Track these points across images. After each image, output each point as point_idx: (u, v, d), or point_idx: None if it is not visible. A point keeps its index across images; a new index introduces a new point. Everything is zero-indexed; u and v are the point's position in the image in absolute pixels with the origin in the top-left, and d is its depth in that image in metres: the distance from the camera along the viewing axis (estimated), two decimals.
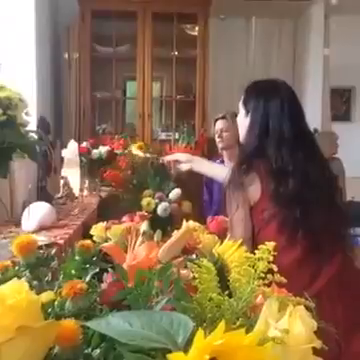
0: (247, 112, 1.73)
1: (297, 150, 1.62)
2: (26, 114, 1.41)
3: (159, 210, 2.34)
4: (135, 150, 3.04)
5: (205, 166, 2.13)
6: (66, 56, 4.33)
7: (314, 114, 4.95)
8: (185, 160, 2.11)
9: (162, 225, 1.51)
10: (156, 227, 1.14)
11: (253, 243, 1.55)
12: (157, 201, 2.36)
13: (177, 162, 2.16)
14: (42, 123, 2.23)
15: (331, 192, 1.69)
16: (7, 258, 1.01)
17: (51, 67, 4.25)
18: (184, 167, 2.11)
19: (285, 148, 1.61)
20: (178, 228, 1.07)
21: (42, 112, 3.18)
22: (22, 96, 1.40)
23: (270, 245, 0.67)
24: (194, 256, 0.98)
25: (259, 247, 0.68)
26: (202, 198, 3.20)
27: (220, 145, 3.02)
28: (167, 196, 2.43)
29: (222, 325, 0.46)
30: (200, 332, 0.44)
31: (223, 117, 3.01)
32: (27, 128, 1.43)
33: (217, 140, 3.02)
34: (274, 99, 1.67)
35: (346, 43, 5.40)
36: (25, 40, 3.43)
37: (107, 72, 4.47)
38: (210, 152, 3.99)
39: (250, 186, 1.61)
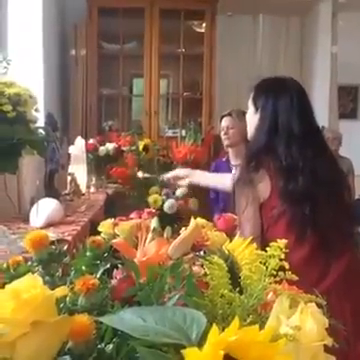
0: (256, 109, 1.73)
1: (306, 147, 1.62)
2: (36, 110, 1.41)
3: (166, 207, 2.34)
4: None
5: (204, 177, 2.20)
6: (73, 53, 4.34)
7: (321, 112, 4.93)
8: (183, 175, 2.17)
9: (169, 222, 1.51)
10: (163, 224, 1.14)
11: (262, 241, 1.55)
12: (164, 198, 2.37)
13: (177, 178, 2.22)
14: (50, 120, 2.24)
15: (340, 190, 1.68)
16: (17, 254, 1.01)
17: (58, 64, 4.27)
18: (183, 183, 2.18)
19: (294, 145, 1.61)
20: (185, 225, 1.08)
21: (49, 109, 3.18)
22: (31, 92, 1.41)
23: (281, 242, 0.67)
24: (202, 253, 0.98)
25: (270, 244, 0.68)
26: (208, 196, 3.20)
27: (226, 142, 3.03)
28: (173, 193, 2.44)
29: (236, 321, 0.46)
30: (215, 328, 0.45)
31: (229, 114, 3.02)
32: (36, 124, 1.44)
33: (223, 137, 3.03)
34: (283, 96, 1.67)
35: (354, 41, 5.37)
36: (33, 37, 3.44)
37: (114, 69, 4.48)
38: (216, 149, 4.00)
39: (260, 183, 1.61)
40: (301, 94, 1.72)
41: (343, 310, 1.45)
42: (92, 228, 1.72)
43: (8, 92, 1.30)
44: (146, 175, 2.69)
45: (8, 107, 1.29)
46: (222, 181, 2.01)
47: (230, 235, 1.18)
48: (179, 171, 2.28)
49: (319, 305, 0.68)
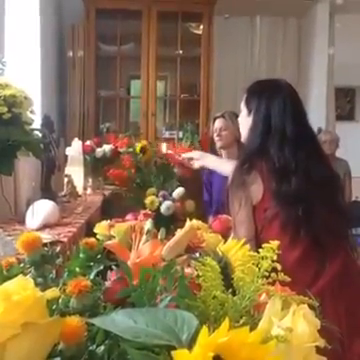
0: (249, 112, 1.74)
1: (299, 149, 1.62)
2: (31, 112, 1.41)
3: (162, 209, 2.34)
4: None
5: (212, 161, 2.22)
6: (71, 54, 4.34)
7: (318, 113, 4.94)
8: (197, 157, 2.22)
9: (165, 224, 1.51)
10: (159, 226, 1.14)
11: (256, 242, 1.55)
12: (160, 200, 2.36)
13: (191, 159, 2.26)
14: (46, 121, 2.24)
15: (333, 191, 1.69)
16: (12, 255, 1.01)
17: (56, 65, 4.27)
18: (196, 164, 2.23)
19: (287, 147, 1.61)
20: (181, 227, 1.08)
21: (46, 110, 3.18)
22: (27, 94, 1.40)
23: (274, 244, 0.67)
24: (197, 255, 0.98)
25: (263, 246, 0.68)
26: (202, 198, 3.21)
27: (218, 144, 3.05)
28: (170, 195, 2.43)
29: (226, 322, 0.46)
30: (204, 329, 0.45)
31: (222, 116, 3.04)
32: (32, 126, 1.43)
33: (216, 139, 3.05)
34: (276, 99, 1.68)
35: (351, 42, 5.38)
36: (30, 38, 3.44)
37: (111, 71, 4.48)
38: (213, 151, 3.99)
39: (252, 185, 1.61)
40: (294, 96, 1.73)
41: (337, 311, 1.45)
42: (89, 229, 1.72)
43: (3, 93, 1.30)
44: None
45: (3, 109, 1.28)
46: (229, 168, 2.01)
47: (225, 236, 1.18)
48: (193, 153, 2.34)
49: (312, 307, 0.68)
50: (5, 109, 1.30)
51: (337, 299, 1.48)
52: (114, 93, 4.58)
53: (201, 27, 4.53)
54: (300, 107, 1.73)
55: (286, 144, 1.61)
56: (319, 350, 0.60)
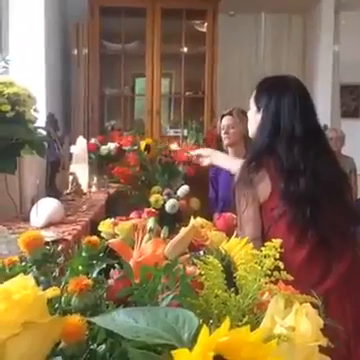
0: (258, 109, 1.72)
1: (308, 148, 1.60)
2: (34, 110, 1.41)
3: (167, 207, 2.34)
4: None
5: (223, 159, 2.19)
6: (75, 52, 4.33)
7: (324, 111, 4.91)
8: (206, 155, 2.18)
9: (170, 222, 1.51)
10: (164, 224, 1.14)
11: (263, 241, 1.54)
12: (165, 198, 2.36)
13: (200, 157, 2.23)
14: (51, 119, 2.24)
15: (341, 190, 1.68)
16: (16, 254, 1.01)
17: (60, 63, 4.26)
18: (205, 162, 2.20)
19: (296, 146, 1.59)
20: (186, 225, 1.07)
21: (51, 108, 3.18)
22: (30, 92, 1.40)
23: (277, 242, 0.67)
24: (201, 253, 0.98)
25: (265, 244, 0.67)
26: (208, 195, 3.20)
27: (226, 141, 3.03)
28: (175, 193, 2.43)
29: (227, 322, 0.46)
30: (204, 329, 0.44)
31: (230, 113, 3.01)
32: (36, 124, 1.43)
33: (223, 136, 3.02)
34: (287, 96, 1.66)
35: (356, 39, 5.35)
36: (34, 36, 3.44)
37: (116, 69, 4.48)
38: (218, 149, 3.98)
39: (260, 184, 1.60)
40: (304, 93, 1.70)
41: (344, 310, 1.44)
42: (93, 227, 1.72)
43: (7, 92, 1.30)
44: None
45: (7, 107, 1.28)
46: (238, 166, 2.00)
47: (230, 235, 1.18)
48: (202, 150, 2.30)
49: (315, 305, 0.67)
50: (8, 107, 1.30)
51: (344, 298, 1.48)
52: (118, 91, 4.58)
53: (205, 24, 4.51)
54: (310, 105, 1.71)
55: (295, 143, 1.59)
56: (324, 350, 0.60)
